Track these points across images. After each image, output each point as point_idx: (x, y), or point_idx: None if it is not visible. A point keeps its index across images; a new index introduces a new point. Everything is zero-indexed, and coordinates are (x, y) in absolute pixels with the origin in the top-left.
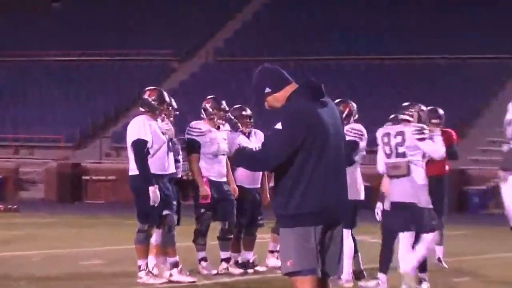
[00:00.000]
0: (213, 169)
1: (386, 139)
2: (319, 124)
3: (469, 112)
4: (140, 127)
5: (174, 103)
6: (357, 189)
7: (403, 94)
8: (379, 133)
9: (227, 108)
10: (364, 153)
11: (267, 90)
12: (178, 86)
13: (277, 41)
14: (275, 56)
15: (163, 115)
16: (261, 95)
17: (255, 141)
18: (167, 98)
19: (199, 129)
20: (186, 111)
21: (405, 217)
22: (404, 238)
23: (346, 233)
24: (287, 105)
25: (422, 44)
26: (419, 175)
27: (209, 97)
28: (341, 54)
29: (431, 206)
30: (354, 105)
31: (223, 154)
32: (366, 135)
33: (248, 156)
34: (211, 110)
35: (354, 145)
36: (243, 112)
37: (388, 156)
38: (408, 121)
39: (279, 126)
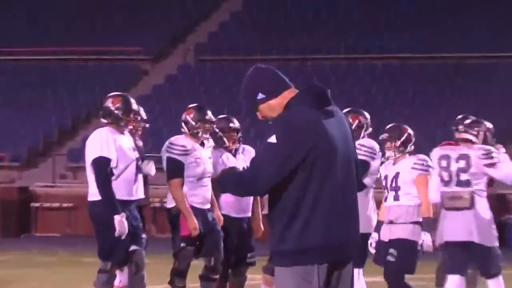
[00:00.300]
0: (197, 194)
1: (444, 163)
2: (324, 138)
3: (509, 121)
4: (102, 142)
5: (143, 113)
6: (369, 219)
7: (429, 100)
8: (435, 154)
9: (213, 119)
10: (378, 175)
11: (260, 96)
12: (150, 92)
13: (274, 36)
14: (270, 54)
15: (129, 128)
16: (252, 103)
17: (242, 160)
18: (134, 106)
19: (183, 146)
20: (161, 123)
21: (463, 258)
22: (455, 282)
23: (357, 273)
24: (284, 114)
25: (452, 41)
26: (484, 207)
27: (191, 106)
28: (353, 52)
29: (497, 244)
30: (367, 115)
31: (209, 176)
32: (379, 154)
33: (234, 179)
34: (193, 123)
35: (364, 165)
36: (230, 124)
37: (446, 183)
38: (471, 141)
39: (273, 139)
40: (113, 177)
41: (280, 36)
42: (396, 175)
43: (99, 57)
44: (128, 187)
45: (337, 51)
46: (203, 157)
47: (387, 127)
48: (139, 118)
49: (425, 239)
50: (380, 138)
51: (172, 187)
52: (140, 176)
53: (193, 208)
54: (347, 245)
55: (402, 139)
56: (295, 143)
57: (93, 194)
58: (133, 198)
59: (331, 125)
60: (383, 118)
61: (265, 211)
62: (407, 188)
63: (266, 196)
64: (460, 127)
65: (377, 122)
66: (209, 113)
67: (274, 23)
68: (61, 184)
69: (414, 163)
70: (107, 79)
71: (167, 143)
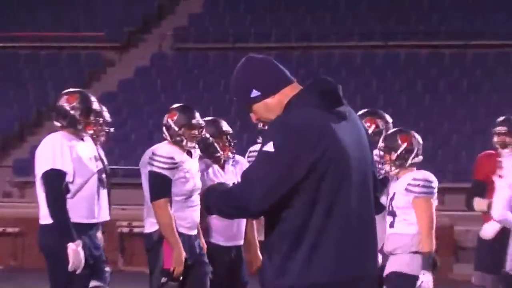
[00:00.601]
0: (185, 217)
1: None
2: (333, 147)
3: None
4: (55, 151)
5: (106, 114)
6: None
7: (463, 97)
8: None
9: (201, 124)
10: None
11: (254, 93)
12: (116, 89)
13: (271, 19)
14: (267, 41)
15: (89, 132)
16: (245, 102)
17: (232, 173)
18: (95, 106)
19: (171, 158)
20: (129, 128)
21: None
22: None
23: None
24: (283, 116)
25: (493, 26)
26: None
27: (175, 107)
28: (368, 40)
29: None
30: (388, 119)
31: (198, 194)
32: None
33: (221, 197)
34: (176, 128)
35: (382, 181)
36: (222, 127)
37: None
38: None
39: (269, 147)
40: (69, 195)
41: (279, 19)
42: (392, 197)
43: (51, 44)
44: (88, 207)
45: (349, 37)
46: (192, 171)
47: (386, 134)
48: (101, 120)
49: (424, 280)
50: (378, 148)
51: (157, 209)
52: (104, 193)
53: (179, 234)
54: (363, 282)
55: (399, 151)
56: (296, 152)
57: (45, 216)
58: (94, 221)
59: (343, 130)
60: (408, 119)
61: (261, 238)
62: (402, 214)
63: (262, 219)
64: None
65: (401, 125)
66: (197, 115)
67: (272, 2)
68: (4, 203)
69: (408, 184)
70: (61, 72)
71: (149, 153)
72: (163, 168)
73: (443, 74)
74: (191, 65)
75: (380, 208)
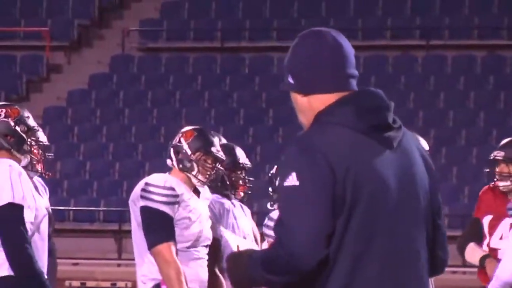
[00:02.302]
0: (189, 273)
1: None
2: (365, 185)
3: None
4: (13, 179)
5: (41, 135)
6: None
7: None
8: None
9: (222, 157)
10: None
11: (289, 79)
12: (64, 102)
13: (268, 11)
14: (261, 39)
15: (28, 158)
16: (284, 82)
17: (246, 222)
18: (31, 122)
19: (171, 189)
20: (84, 156)
21: None
22: None
23: None
24: (306, 135)
25: None
26: None
27: (193, 127)
28: (405, 37)
29: None
30: None
31: (206, 246)
32: None
33: (261, 263)
34: (190, 151)
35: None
36: (240, 159)
37: None
38: None
39: (292, 180)
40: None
41: (280, 12)
42: None
43: None
44: (39, 259)
45: (410, 33)
46: (199, 211)
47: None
48: (40, 143)
49: None
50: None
51: (159, 257)
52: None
53: None
54: None
55: None
56: (322, 184)
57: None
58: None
59: (383, 160)
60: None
61: None
62: None
63: None
64: None
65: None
66: (217, 144)
67: None
68: None
69: None
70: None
71: (141, 185)
72: (160, 203)
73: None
74: (165, 70)
75: (441, 268)
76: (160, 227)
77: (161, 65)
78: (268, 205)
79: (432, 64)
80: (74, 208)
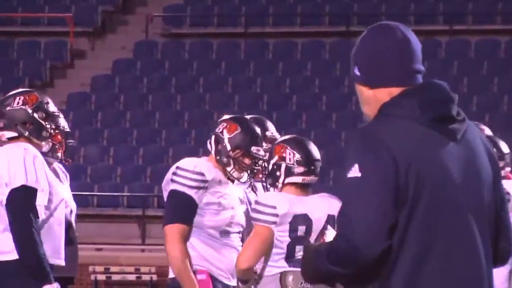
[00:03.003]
0: (219, 258)
1: None
2: (429, 177)
3: None
4: (27, 162)
5: (63, 121)
6: None
7: None
8: None
9: (262, 155)
10: None
11: (356, 71)
12: (88, 88)
13: None
14: (285, 24)
15: (51, 145)
16: (351, 73)
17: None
18: (52, 108)
19: (200, 174)
20: (107, 142)
21: None
22: None
23: None
24: (369, 127)
25: None
26: None
27: (238, 117)
28: (429, 22)
29: None
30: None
31: (239, 232)
32: None
33: (326, 255)
34: (229, 147)
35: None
36: (267, 132)
37: None
38: None
39: (355, 172)
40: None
41: None
42: None
43: (3, 29)
44: (56, 244)
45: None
46: (232, 197)
47: None
48: (60, 128)
49: None
50: None
51: (167, 237)
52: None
53: (212, 278)
54: None
55: None
56: (384, 176)
57: (6, 252)
58: (61, 263)
59: (447, 153)
60: None
61: None
62: None
63: None
64: None
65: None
66: (260, 142)
67: None
68: None
69: None
70: (15, 66)
71: (173, 169)
72: (187, 186)
73: None
74: (188, 56)
75: (504, 259)
76: (177, 208)
77: (185, 51)
78: None
79: (456, 49)
80: (98, 193)
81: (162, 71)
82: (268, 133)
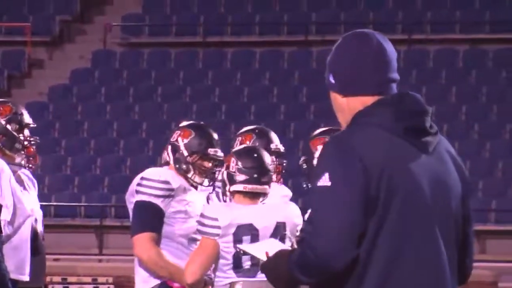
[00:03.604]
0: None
1: None
2: (400, 188)
3: None
4: None
5: (27, 118)
6: None
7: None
8: None
9: (221, 157)
10: None
11: (331, 79)
12: (46, 98)
13: (250, 5)
14: (245, 34)
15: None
16: (326, 81)
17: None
18: (27, 119)
19: (166, 183)
20: (65, 151)
21: None
22: None
23: None
24: (341, 135)
25: None
26: None
27: (191, 124)
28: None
29: None
30: None
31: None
32: None
33: (296, 263)
34: (186, 153)
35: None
36: (272, 143)
37: None
38: None
39: (325, 181)
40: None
41: (262, 8)
42: None
43: None
44: (20, 260)
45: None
46: (196, 205)
47: None
48: (32, 140)
49: None
50: None
51: (137, 245)
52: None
53: None
54: None
55: None
56: (355, 186)
57: None
58: (24, 279)
59: (418, 165)
60: None
61: None
62: None
63: None
64: None
65: None
66: (216, 143)
67: None
68: None
69: None
70: None
71: (137, 179)
72: (153, 196)
73: None
74: (147, 66)
75: (465, 279)
76: (145, 218)
77: (143, 60)
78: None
79: (414, 58)
80: (55, 203)
81: (120, 80)
82: (272, 146)
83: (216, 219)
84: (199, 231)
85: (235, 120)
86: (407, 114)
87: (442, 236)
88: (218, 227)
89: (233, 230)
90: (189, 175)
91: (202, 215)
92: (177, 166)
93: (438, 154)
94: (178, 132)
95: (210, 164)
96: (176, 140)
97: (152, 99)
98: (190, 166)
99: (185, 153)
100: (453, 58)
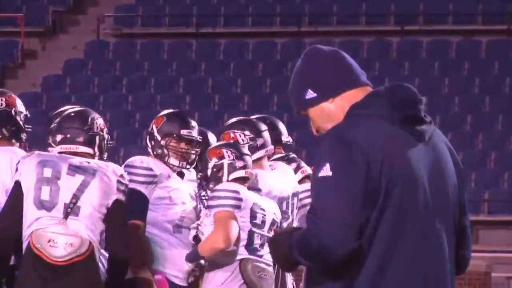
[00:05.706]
0: (173, 259)
1: None
2: (400, 172)
3: None
4: (12, 166)
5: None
6: None
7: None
8: None
9: (195, 137)
10: None
11: (310, 94)
12: (39, 88)
13: None
14: (237, 25)
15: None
16: (300, 105)
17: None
18: (24, 110)
19: (148, 169)
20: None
21: None
22: None
23: None
24: (339, 127)
25: None
26: None
27: (165, 112)
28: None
29: None
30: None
31: (189, 228)
32: None
33: (298, 246)
34: (159, 137)
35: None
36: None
37: None
38: None
39: (326, 171)
40: None
41: None
42: None
43: None
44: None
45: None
46: (181, 192)
47: None
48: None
49: None
50: None
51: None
52: None
53: (169, 283)
54: None
55: None
56: (356, 175)
57: None
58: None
59: (415, 153)
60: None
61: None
62: None
63: None
64: None
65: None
66: (192, 126)
67: None
68: None
69: None
70: None
71: (123, 165)
72: (136, 182)
73: None
74: (140, 56)
75: (464, 267)
76: (129, 205)
77: (136, 51)
78: None
79: (407, 50)
80: None
81: (113, 71)
82: (283, 138)
83: (237, 192)
84: (217, 206)
85: (228, 111)
86: (402, 104)
87: (441, 224)
88: (240, 199)
89: (251, 205)
90: (166, 159)
91: (217, 190)
92: (155, 153)
93: (434, 144)
94: (153, 121)
95: (186, 146)
96: (151, 128)
97: (145, 89)
98: (165, 150)
99: (159, 137)
100: (446, 49)
